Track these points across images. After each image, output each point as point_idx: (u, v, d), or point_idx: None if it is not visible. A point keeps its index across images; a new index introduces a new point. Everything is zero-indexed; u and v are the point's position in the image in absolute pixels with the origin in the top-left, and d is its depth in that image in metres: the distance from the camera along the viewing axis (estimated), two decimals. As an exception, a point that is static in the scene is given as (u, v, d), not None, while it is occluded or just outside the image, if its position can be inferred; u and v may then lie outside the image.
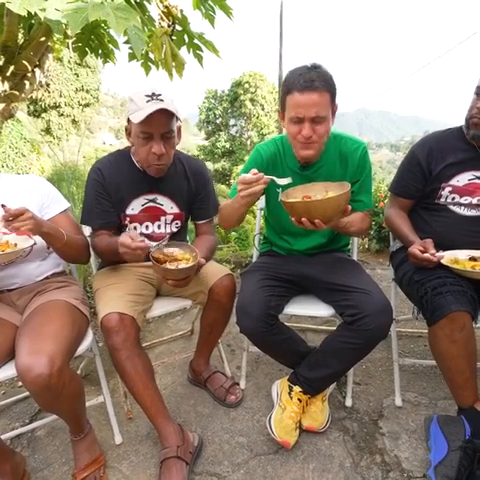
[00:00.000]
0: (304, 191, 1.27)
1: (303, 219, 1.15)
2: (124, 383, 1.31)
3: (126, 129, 1.38)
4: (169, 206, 1.50)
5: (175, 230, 1.55)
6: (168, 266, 1.25)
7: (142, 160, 1.37)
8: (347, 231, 1.36)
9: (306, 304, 1.45)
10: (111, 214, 1.44)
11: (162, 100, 1.26)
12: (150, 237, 1.50)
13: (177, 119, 1.33)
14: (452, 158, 1.42)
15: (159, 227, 1.51)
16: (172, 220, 1.52)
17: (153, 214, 1.48)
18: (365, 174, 1.41)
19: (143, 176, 1.44)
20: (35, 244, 1.24)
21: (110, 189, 1.41)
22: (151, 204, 1.47)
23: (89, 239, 1.48)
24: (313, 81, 1.18)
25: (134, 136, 1.33)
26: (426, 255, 1.29)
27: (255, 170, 1.17)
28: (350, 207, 1.18)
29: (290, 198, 1.23)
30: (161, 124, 1.28)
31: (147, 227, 1.49)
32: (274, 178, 1.20)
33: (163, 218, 1.50)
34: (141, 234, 1.48)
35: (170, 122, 1.30)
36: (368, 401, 1.58)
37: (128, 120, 1.33)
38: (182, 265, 1.26)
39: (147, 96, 1.26)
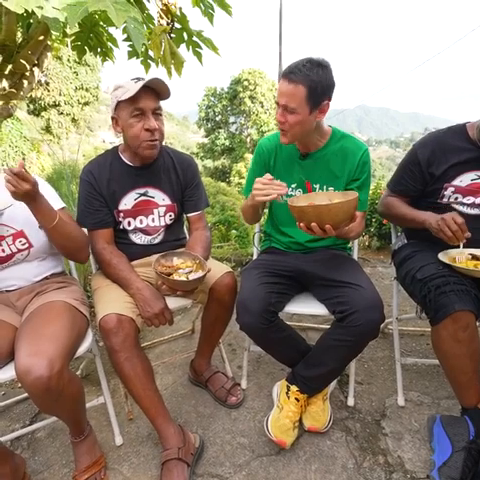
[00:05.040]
0: (308, 199, 1.28)
1: (313, 224, 1.15)
2: (123, 385, 1.31)
3: (113, 119, 1.38)
4: (161, 198, 1.50)
5: (169, 222, 1.54)
6: (178, 278, 1.26)
7: (135, 140, 1.35)
8: (347, 236, 1.39)
9: (304, 302, 1.45)
10: (103, 213, 1.44)
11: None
12: (145, 231, 1.51)
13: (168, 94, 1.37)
14: (455, 159, 1.40)
15: (153, 220, 1.51)
16: (165, 212, 1.52)
17: (146, 207, 1.49)
18: (366, 175, 1.44)
19: (132, 171, 1.46)
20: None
21: (101, 188, 1.42)
22: (143, 198, 1.48)
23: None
24: (293, 73, 1.21)
25: (124, 120, 1.34)
26: (459, 229, 1.25)
27: (269, 175, 1.25)
28: (358, 213, 1.22)
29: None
30: (152, 100, 1.33)
31: (141, 221, 1.49)
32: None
33: (156, 211, 1.50)
34: (136, 229, 1.49)
35: (158, 100, 1.36)
36: (370, 401, 1.57)
37: (115, 109, 1.35)
38: (192, 275, 1.28)
39: (133, 79, 1.32)
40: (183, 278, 1.28)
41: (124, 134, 1.39)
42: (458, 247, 1.32)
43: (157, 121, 1.35)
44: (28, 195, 1.12)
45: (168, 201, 1.52)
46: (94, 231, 1.44)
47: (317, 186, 1.46)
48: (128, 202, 1.46)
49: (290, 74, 1.22)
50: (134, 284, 1.33)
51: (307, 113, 1.25)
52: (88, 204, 1.43)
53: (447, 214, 1.29)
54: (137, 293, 1.31)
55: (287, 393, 1.40)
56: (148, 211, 1.49)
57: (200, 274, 1.28)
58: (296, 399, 1.38)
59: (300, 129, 1.30)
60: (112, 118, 1.39)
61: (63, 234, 1.28)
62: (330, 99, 1.28)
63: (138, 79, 1.32)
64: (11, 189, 1.09)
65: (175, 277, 1.28)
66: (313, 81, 1.20)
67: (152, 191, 1.49)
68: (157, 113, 1.35)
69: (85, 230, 1.50)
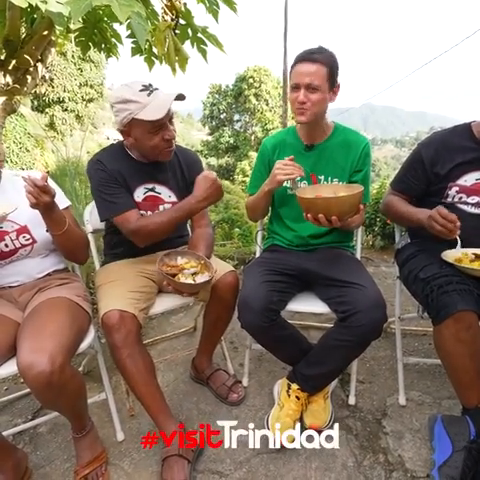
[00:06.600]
0: (314, 191, 1.31)
1: (320, 215, 1.20)
2: (125, 381, 1.31)
3: (122, 132, 1.34)
4: (167, 195, 1.50)
5: None
6: (185, 280, 1.26)
7: (154, 150, 1.35)
8: (348, 227, 1.41)
9: (306, 301, 1.44)
10: (124, 195, 1.39)
11: (157, 88, 1.29)
12: None
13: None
14: (460, 158, 1.39)
15: None
16: None
17: (153, 203, 1.48)
18: (368, 167, 1.49)
19: (140, 166, 1.45)
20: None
21: (115, 175, 1.38)
22: (151, 193, 1.48)
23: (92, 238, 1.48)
24: (312, 53, 1.32)
25: (140, 134, 1.31)
26: (445, 222, 1.24)
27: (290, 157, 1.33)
28: (362, 206, 1.26)
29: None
30: (168, 111, 1.29)
31: None
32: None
33: (162, 207, 1.50)
34: None
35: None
36: (371, 400, 1.57)
37: (126, 124, 1.29)
38: (199, 278, 1.27)
39: (142, 90, 1.27)
40: (190, 280, 1.26)
41: (137, 143, 1.35)
42: (456, 243, 1.30)
43: (171, 126, 1.34)
44: (46, 206, 1.15)
45: (174, 198, 1.51)
46: (121, 217, 1.36)
47: (322, 177, 1.47)
48: (139, 195, 1.45)
49: (312, 55, 1.31)
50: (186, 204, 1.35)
51: (327, 92, 1.34)
52: (106, 190, 1.36)
53: (433, 210, 1.29)
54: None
55: (288, 391, 1.41)
56: (154, 207, 1.48)
57: (207, 277, 1.26)
58: (297, 397, 1.38)
59: (320, 107, 1.36)
60: (121, 131, 1.34)
61: (68, 238, 1.29)
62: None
63: (147, 89, 1.27)
64: (32, 201, 1.11)
65: (181, 279, 1.26)
66: (330, 62, 1.32)
67: (159, 187, 1.49)
68: (171, 120, 1.34)
69: (89, 227, 1.51)
